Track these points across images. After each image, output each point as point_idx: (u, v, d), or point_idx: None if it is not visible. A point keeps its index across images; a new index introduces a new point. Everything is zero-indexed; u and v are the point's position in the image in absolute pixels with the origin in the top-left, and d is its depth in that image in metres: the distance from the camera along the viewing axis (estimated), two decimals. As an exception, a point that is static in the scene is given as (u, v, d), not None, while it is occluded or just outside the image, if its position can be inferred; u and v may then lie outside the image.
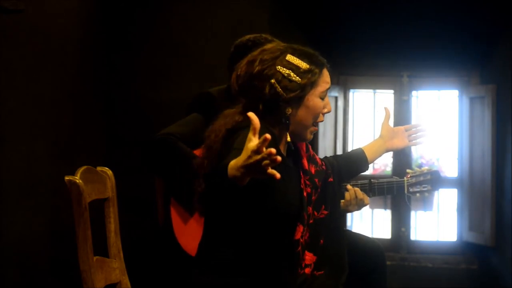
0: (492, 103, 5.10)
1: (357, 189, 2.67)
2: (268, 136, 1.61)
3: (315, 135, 5.11)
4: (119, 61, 4.52)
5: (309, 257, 2.12)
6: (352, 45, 5.38)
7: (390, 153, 5.55)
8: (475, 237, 5.24)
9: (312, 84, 2.06)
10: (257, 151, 1.62)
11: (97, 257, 2.11)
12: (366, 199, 2.65)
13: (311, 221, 2.15)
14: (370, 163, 2.53)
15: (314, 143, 5.02)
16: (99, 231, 2.28)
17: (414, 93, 5.63)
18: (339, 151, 5.55)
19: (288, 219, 2.05)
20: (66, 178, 2.03)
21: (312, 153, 2.27)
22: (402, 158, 5.45)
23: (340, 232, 2.24)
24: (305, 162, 2.19)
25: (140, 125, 4.46)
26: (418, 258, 5.38)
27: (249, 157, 1.65)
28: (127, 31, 4.54)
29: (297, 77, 2.03)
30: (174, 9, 4.53)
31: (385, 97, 5.84)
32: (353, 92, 5.75)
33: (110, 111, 4.50)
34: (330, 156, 2.48)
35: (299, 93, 2.04)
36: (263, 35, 2.79)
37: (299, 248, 2.07)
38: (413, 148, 5.58)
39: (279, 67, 2.03)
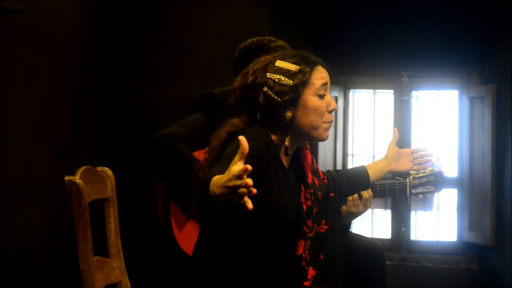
0: (492, 103, 5.10)
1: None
2: (249, 167, 1.62)
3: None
4: (119, 61, 4.52)
5: (310, 272, 2.13)
6: (352, 45, 5.38)
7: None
8: (475, 237, 5.24)
9: (304, 83, 2.07)
10: (238, 176, 1.64)
11: (97, 257, 2.11)
12: (370, 192, 2.64)
13: (311, 234, 2.15)
14: (372, 182, 2.50)
15: (313, 142, 5.02)
16: (99, 231, 2.28)
17: (414, 93, 5.64)
18: (339, 151, 5.56)
19: (283, 228, 2.05)
20: (66, 178, 2.03)
21: (316, 166, 2.27)
22: (402, 158, 5.45)
23: (339, 248, 2.24)
24: (309, 175, 2.19)
25: (140, 125, 4.46)
26: (418, 258, 5.38)
27: (229, 179, 1.66)
28: (127, 31, 4.54)
29: (288, 80, 2.05)
30: (174, 9, 4.53)
31: (385, 97, 5.84)
32: (353, 92, 5.75)
33: (110, 111, 4.50)
34: (333, 171, 2.48)
35: (292, 95, 2.05)
36: (267, 37, 2.79)
37: (303, 263, 2.08)
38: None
39: (269, 74, 2.06)
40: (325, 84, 2.10)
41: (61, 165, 3.76)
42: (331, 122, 2.14)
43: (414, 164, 2.59)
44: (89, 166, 2.16)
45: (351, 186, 2.44)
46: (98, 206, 2.26)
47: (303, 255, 2.08)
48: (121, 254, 2.29)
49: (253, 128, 2.05)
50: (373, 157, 6.13)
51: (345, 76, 5.65)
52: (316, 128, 2.11)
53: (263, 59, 2.12)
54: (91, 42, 4.28)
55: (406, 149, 2.61)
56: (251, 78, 2.07)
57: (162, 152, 2.73)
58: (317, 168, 2.27)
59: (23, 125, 3.55)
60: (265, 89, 2.05)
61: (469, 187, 5.34)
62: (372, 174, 2.49)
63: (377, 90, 5.80)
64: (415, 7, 5.01)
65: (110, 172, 2.30)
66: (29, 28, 3.56)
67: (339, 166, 5.52)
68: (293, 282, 2.06)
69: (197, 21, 4.49)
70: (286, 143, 2.11)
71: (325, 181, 2.28)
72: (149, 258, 4.19)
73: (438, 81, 5.65)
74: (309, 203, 2.15)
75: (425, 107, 5.99)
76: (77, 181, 2.03)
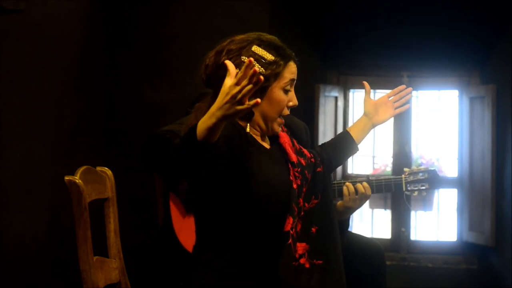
0: (492, 103, 5.09)
1: (358, 184, 2.65)
2: (252, 59, 1.68)
3: (316, 134, 5.13)
4: (119, 61, 4.52)
5: (301, 247, 2.12)
6: (352, 45, 5.38)
7: (390, 153, 5.55)
8: (475, 237, 5.24)
9: (276, 76, 2.08)
10: (237, 83, 1.69)
11: (97, 257, 2.11)
12: (368, 190, 2.63)
13: (302, 213, 2.14)
14: (359, 143, 2.47)
15: (314, 143, 5.03)
16: (99, 231, 2.28)
17: (414, 93, 5.63)
18: (339, 151, 5.55)
19: (275, 206, 2.05)
20: (66, 178, 2.04)
21: (298, 147, 2.26)
22: (402, 159, 5.45)
23: (332, 219, 2.22)
24: (292, 155, 2.19)
25: (140, 125, 4.46)
26: (418, 258, 5.38)
27: (227, 93, 1.71)
28: (127, 31, 4.54)
29: (261, 68, 2.05)
30: (174, 9, 4.53)
31: (385, 97, 5.83)
32: (353, 92, 5.75)
33: (110, 111, 4.50)
34: (317, 147, 2.47)
35: (262, 84, 2.05)
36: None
37: (290, 240, 2.07)
38: (413, 148, 5.58)
39: (244, 57, 2.06)
40: (293, 80, 2.13)
41: (61, 165, 3.76)
42: (286, 116, 2.16)
43: (395, 108, 2.54)
44: (89, 166, 2.16)
45: (339, 154, 2.42)
46: (98, 206, 2.26)
47: (291, 231, 2.07)
48: (121, 254, 2.29)
49: None
50: (373, 157, 6.13)
51: (345, 76, 5.64)
52: (272, 120, 2.13)
53: (239, 39, 2.12)
54: (91, 42, 4.28)
55: (382, 97, 2.55)
56: (224, 58, 2.07)
57: (159, 148, 2.75)
58: (300, 148, 2.26)
59: (23, 125, 3.55)
60: (237, 71, 2.06)
61: (469, 187, 5.34)
62: (356, 135, 2.47)
63: (377, 90, 5.79)
64: (415, 7, 5.01)
65: (109, 172, 2.30)
66: (29, 28, 3.56)
67: (339, 166, 5.52)
68: (282, 260, 2.05)
69: (197, 21, 4.49)
70: (247, 129, 2.12)
71: (312, 159, 2.26)
72: (149, 258, 4.18)
73: (438, 81, 5.64)
74: (298, 181, 2.15)
75: (425, 107, 5.99)
76: (77, 181, 2.03)
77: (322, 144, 2.49)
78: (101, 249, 2.27)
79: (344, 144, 2.45)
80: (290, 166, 2.15)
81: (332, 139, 2.50)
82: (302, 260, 2.11)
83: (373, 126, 2.53)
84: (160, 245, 3.03)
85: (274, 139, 2.22)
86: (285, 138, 2.23)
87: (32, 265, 3.64)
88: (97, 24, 4.35)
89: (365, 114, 2.53)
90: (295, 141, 2.27)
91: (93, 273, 2.05)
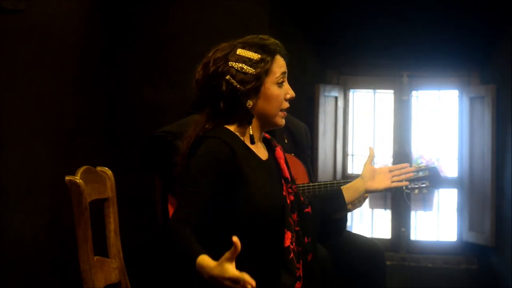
0: (492, 103, 5.10)
1: None
2: (253, 283, 1.71)
3: (316, 134, 5.13)
4: (119, 61, 4.52)
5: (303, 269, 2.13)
6: (352, 45, 5.38)
7: (391, 153, 5.55)
8: (475, 237, 5.24)
9: (267, 72, 2.10)
10: (235, 281, 1.73)
11: (97, 257, 2.11)
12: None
13: (297, 228, 2.14)
14: (349, 203, 2.38)
15: (314, 143, 5.03)
16: (99, 231, 2.28)
17: (414, 93, 5.63)
18: (339, 151, 5.55)
19: (270, 219, 2.05)
20: (66, 178, 2.04)
21: (292, 174, 2.26)
22: (402, 158, 5.45)
23: (318, 265, 2.22)
24: (286, 171, 2.19)
25: (140, 125, 4.46)
26: (418, 258, 5.38)
27: (224, 278, 1.75)
28: (127, 31, 4.54)
29: (250, 68, 2.08)
30: (174, 9, 4.53)
31: (385, 97, 5.84)
32: (353, 92, 5.75)
33: (110, 111, 4.50)
34: (309, 194, 2.48)
35: (255, 83, 2.08)
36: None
37: (291, 255, 2.07)
38: (413, 148, 5.58)
39: (231, 62, 2.09)
40: (284, 73, 2.15)
41: (61, 165, 3.76)
42: (287, 108, 2.17)
43: (393, 182, 2.45)
44: (89, 166, 2.16)
45: (326, 207, 2.35)
46: (98, 206, 2.27)
47: (291, 246, 2.07)
48: (121, 254, 2.29)
49: (217, 132, 2.08)
50: (373, 157, 6.12)
51: (345, 76, 5.64)
52: (274, 115, 2.14)
53: (222, 47, 2.16)
54: (91, 42, 4.28)
55: (384, 167, 2.49)
56: (212, 68, 2.10)
57: (158, 149, 2.76)
58: (293, 178, 2.25)
59: (23, 125, 3.55)
60: (228, 77, 2.07)
61: (469, 187, 5.34)
62: (348, 196, 2.37)
63: (377, 90, 5.80)
64: (415, 7, 5.01)
65: (110, 172, 2.30)
66: (29, 28, 3.56)
67: (339, 166, 5.52)
68: (285, 277, 2.05)
69: (197, 21, 4.50)
70: (250, 132, 2.13)
71: (301, 198, 2.25)
72: (149, 258, 4.19)
73: (438, 81, 5.64)
74: (292, 197, 2.15)
75: (425, 107, 5.99)
76: (77, 181, 2.03)
77: (314, 194, 2.48)
78: (101, 249, 2.27)
79: (333, 199, 2.36)
80: (283, 181, 2.16)
81: (324, 191, 2.48)
82: (298, 285, 2.10)
83: (366, 191, 2.43)
84: (160, 245, 3.03)
85: (271, 149, 2.22)
86: (281, 154, 2.24)
87: (32, 265, 3.64)
88: (97, 24, 4.35)
89: (361, 177, 2.44)
90: (288, 163, 2.26)
91: (93, 273, 2.05)
